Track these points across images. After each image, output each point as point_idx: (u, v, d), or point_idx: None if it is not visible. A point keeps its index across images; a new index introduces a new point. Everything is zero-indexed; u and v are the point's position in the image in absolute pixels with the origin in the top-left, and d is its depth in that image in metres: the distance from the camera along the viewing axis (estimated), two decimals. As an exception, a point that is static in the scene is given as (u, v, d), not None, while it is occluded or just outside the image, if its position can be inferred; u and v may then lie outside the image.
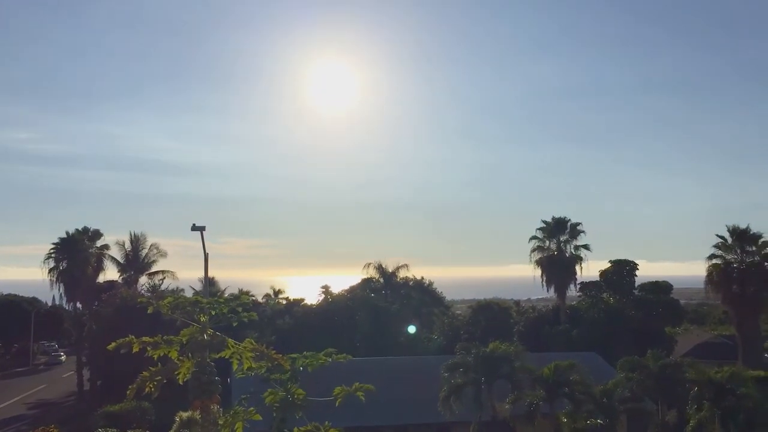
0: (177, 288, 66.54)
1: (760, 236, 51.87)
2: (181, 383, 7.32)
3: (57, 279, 64.81)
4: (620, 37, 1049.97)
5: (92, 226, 68.53)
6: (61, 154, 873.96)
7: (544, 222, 64.29)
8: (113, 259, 67.87)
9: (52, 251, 65.49)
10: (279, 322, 64.72)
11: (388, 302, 63.63)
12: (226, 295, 11.04)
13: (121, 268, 67.44)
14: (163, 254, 68.13)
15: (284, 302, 75.04)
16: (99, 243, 68.19)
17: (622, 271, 68.35)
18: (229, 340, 7.46)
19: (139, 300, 9.42)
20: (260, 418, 7.42)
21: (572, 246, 63.68)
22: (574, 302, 71.10)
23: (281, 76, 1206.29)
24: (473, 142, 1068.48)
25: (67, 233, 66.10)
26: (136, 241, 67.83)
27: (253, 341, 7.56)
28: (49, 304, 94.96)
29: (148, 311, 8.08)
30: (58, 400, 61.25)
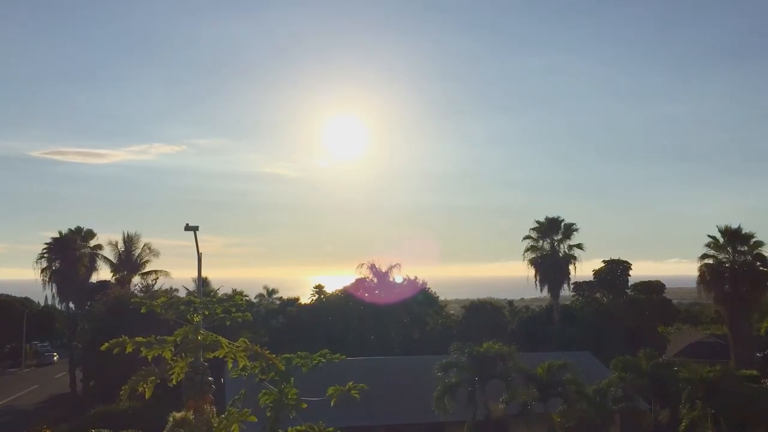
0: (171, 288, 66.33)
1: (751, 236, 52.11)
2: (174, 383, 7.31)
3: (49, 279, 64.50)
4: (618, 40, 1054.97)
5: (85, 226, 68.41)
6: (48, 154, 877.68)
7: (538, 222, 64.42)
8: (106, 259, 67.64)
9: (44, 251, 65.20)
10: (273, 322, 64.58)
11: (381, 302, 63.53)
12: (219, 295, 11.02)
13: (114, 267, 67.15)
14: (156, 254, 67.93)
15: (278, 302, 74.87)
16: (92, 243, 67.99)
17: (615, 270, 68.56)
18: (223, 339, 7.45)
19: (132, 300, 9.36)
20: (255, 420, 7.42)
21: (566, 246, 63.83)
22: (568, 302, 71.26)
23: (275, 70, 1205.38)
24: (466, 142, 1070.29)
25: (60, 233, 65.84)
26: (129, 240, 67.56)
27: (246, 341, 7.56)
28: (42, 304, 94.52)
29: (142, 311, 8.06)
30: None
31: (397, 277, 65.11)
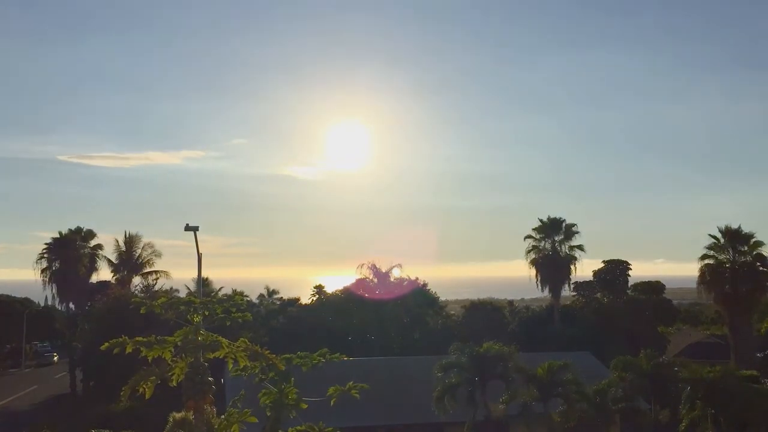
0: (171, 288, 66.34)
1: (752, 236, 52.12)
2: (174, 384, 7.31)
3: (50, 279, 64.55)
4: (622, 40, 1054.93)
5: (89, 227, 68.48)
6: (46, 156, 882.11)
7: (540, 221, 64.49)
8: (106, 259, 67.70)
9: (44, 251, 65.24)
10: (273, 322, 64.59)
11: (381, 304, 63.58)
12: (220, 296, 11.02)
13: (115, 268, 67.19)
14: (158, 254, 67.98)
15: (278, 302, 74.91)
16: (92, 243, 68.06)
17: (615, 271, 68.63)
18: (223, 340, 7.46)
19: (132, 300, 9.38)
20: (255, 420, 7.42)
21: (567, 246, 63.90)
22: (568, 302, 71.29)
23: (283, 78, 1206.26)
24: (466, 144, 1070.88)
25: (60, 233, 65.89)
26: (130, 241, 67.59)
27: (246, 341, 7.56)
28: (42, 304, 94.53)
29: (142, 311, 8.07)
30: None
31: (395, 270, 65.67)
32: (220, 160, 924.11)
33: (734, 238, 52.20)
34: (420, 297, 66.18)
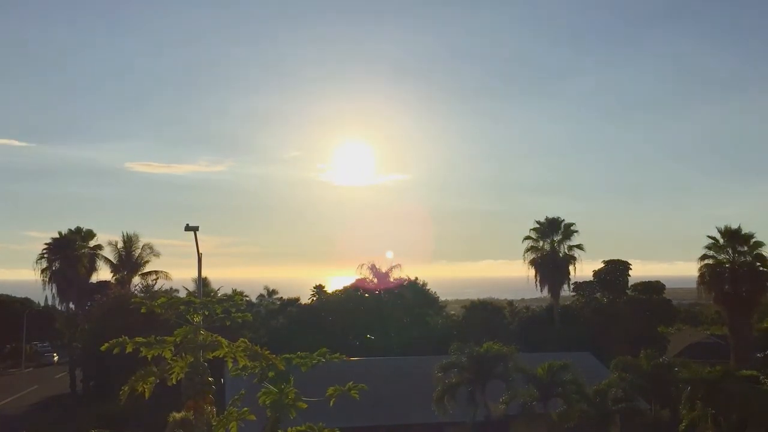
0: (171, 288, 66.38)
1: (751, 236, 52.14)
2: (173, 383, 7.31)
3: (49, 279, 64.59)
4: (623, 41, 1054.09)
5: (85, 227, 68.49)
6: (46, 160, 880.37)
7: (538, 222, 64.46)
8: (106, 259, 67.72)
9: (44, 251, 65.28)
10: (273, 322, 64.61)
11: (381, 302, 63.59)
12: (220, 295, 11.02)
13: (114, 268, 67.24)
14: (157, 254, 68.02)
15: (278, 302, 74.91)
16: (92, 243, 68.12)
17: (615, 271, 68.60)
18: (223, 340, 7.47)
19: (132, 300, 9.39)
20: (254, 419, 7.42)
21: (566, 246, 63.88)
22: (568, 302, 71.26)
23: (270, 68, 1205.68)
24: (466, 146, 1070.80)
25: (59, 233, 65.94)
26: (129, 241, 67.65)
27: (246, 341, 7.56)
28: (42, 304, 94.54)
29: (141, 311, 8.07)
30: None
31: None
32: (227, 164, 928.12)
33: (734, 239, 52.23)
34: (420, 296, 66.18)
